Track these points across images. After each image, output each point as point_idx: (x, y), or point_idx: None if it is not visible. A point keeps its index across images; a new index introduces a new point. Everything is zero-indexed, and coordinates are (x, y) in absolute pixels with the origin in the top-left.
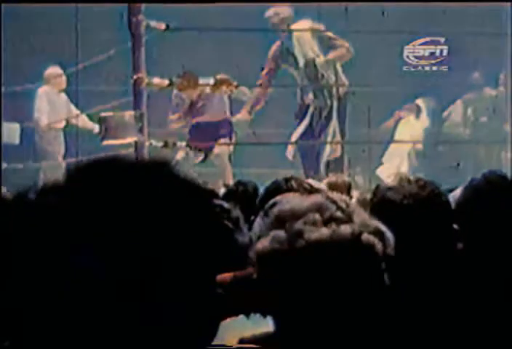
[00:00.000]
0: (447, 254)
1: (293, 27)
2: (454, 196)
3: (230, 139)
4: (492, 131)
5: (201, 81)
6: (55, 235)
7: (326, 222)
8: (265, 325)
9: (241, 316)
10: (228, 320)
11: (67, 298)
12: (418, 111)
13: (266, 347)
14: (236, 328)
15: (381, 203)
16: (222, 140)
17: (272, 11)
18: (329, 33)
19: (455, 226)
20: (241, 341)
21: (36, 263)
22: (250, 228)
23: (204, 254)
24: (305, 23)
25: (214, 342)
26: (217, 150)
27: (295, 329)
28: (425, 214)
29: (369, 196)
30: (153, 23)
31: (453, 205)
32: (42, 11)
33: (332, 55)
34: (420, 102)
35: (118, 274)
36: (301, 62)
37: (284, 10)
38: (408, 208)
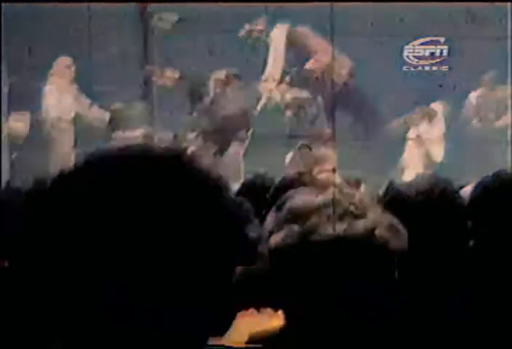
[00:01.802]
0: (460, 252)
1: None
2: (464, 194)
3: (247, 132)
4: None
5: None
6: (68, 227)
7: (340, 217)
8: (277, 320)
9: (253, 310)
10: (240, 314)
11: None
12: (432, 115)
13: (277, 342)
14: (248, 322)
15: (393, 200)
16: (238, 135)
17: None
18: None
19: (468, 223)
20: (252, 336)
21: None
22: (262, 222)
23: (215, 246)
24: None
25: (225, 336)
26: (232, 149)
27: (307, 323)
28: (438, 211)
29: (381, 193)
30: (165, 16)
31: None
32: (50, 5)
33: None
34: (435, 106)
35: (128, 266)
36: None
37: (258, 26)
38: (421, 205)
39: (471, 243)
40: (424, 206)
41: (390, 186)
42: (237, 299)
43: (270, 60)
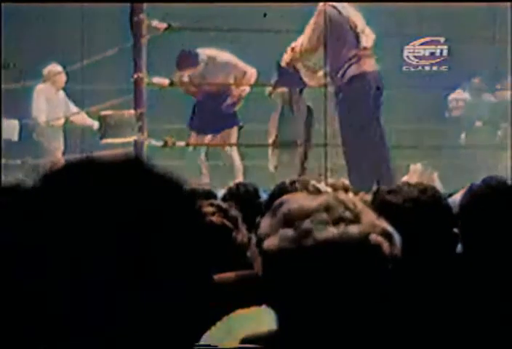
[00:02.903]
0: (447, 258)
1: None
2: (454, 201)
3: (239, 126)
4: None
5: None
6: (28, 238)
7: (334, 222)
8: (269, 323)
9: (243, 313)
10: (230, 317)
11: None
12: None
13: (269, 346)
14: (238, 325)
15: (381, 206)
16: (228, 130)
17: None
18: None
19: (455, 230)
20: (244, 339)
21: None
22: (250, 228)
23: (201, 253)
24: None
25: (218, 340)
26: (227, 148)
27: (300, 328)
28: (425, 217)
29: (369, 199)
30: (154, 23)
31: (453, 209)
32: (44, 9)
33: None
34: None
35: (108, 275)
36: None
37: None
38: (408, 211)
39: (459, 249)
40: (411, 213)
41: (378, 193)
42: (230, 302)
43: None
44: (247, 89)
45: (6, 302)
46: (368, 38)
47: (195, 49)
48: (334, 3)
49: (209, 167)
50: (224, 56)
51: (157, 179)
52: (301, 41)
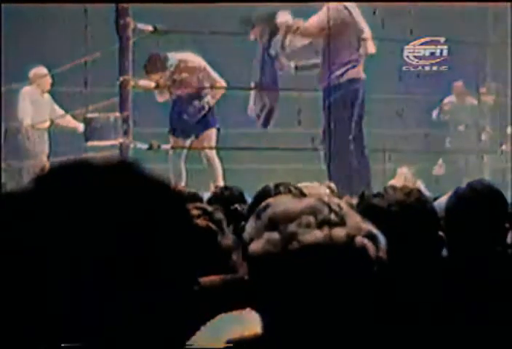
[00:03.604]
0: (432, 261)
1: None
2: (439, 204)
3: (217, 128)
4: (471, 140)
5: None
6: (23, 240)
7: (319, 225)
8: (254, 326)
9: (229, 317)
10: (216, 320)
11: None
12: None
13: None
14: (224, 329)
15: (366, 210)
16: (207, 132)
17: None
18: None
19: (440, 233)
20: (229, 341)
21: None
22: (234, 232)
23: (186, 256)
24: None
25: (203, 344)
26: (207, 151)
27: (286, 331)
28: (410, 221)
29: (355, 202)
30: (140, 25)
31: (439, 213)
32: (29, 11)
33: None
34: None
35: (99, 276)
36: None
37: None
38: (393, 215)
39: (444, 253)
40: (397, 216)
41: (364, 196)
42: (215, 306)
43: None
44: (218, 93)
45: (7, 303)
46: (372, 47)
47: (165, 53)
48: (347, 4)
49: (189, 171)
50: (195, 60)
51: (148, 181)
52: (306, 22)
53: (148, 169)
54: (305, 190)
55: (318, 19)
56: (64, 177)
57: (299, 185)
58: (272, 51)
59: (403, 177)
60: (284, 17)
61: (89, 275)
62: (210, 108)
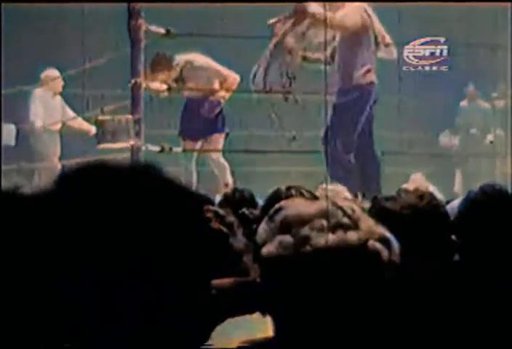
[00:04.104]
0: (444, 265)
1: None
2: (451, 208)
3: (225, 133)
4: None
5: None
6: (46, 240)
7: (332, 228)
8: (265, 330)
9: (241, 320)
10: (227, 323)
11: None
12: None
13: None
14: (235, 332)
15: (379, 213)
16: (215, 136)
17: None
18: None
19: (453, 237)
20: (240, 348)
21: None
22: (246, 234)
23: (199, 258)
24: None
25: (213, 346)
26: (213, 154)
27: (298, 334)
28: (423, 224)
29: (367, 206)
30: (152, 28)
31: (451, 216)
32: (41, 12)
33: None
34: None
35: (109, 280)
36: None
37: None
38: (406, 218)
39: (456, 257)
40: (409, 220)
41: (376, 199)
42: (228, 307)
43: None
44: (226, 94)
45: (11, 302)
46: (394, 52)
47: (171, 53)
48: (366, 7)
49: (200, 174)
50: (202, 60)
51: (166, 183)
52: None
53: (166, 171)
54: (331, 193)
55: (348, 15)
56: (84, 178)
57: (323, 186)
58: (290, 40)
59: (416, 183)
60: (315, 7)
61: (110, 275)
62: (221, 109)
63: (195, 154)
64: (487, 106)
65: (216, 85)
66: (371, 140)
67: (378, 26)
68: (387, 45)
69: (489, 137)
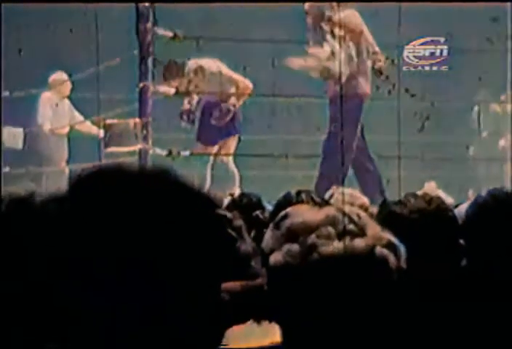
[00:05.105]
0: (453, 270)
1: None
2: (460, 212)
3: (239, 136)
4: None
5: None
6: (57, 244)
7: (339, 236)
8: (273, 335)
9: (249, 325)
10: (235, 328)
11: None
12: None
13: None
14: (243, 337)
15: (387, 218)
16: (230, 138)
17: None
18: None
19: (461, 241)
20: None
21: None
22: (254, 239)
23: (207, 262)
24: None
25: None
26: (223, 158)
27: (305, 342)
28: (431, 228)
29: (375, 210)
30: (160, 31)
31: (459, 221)
32: (49, 15)
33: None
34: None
35: (118, 282)
36: None
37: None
38: (414, 223)
39: (464, 262)
40: (418, 224)
41: (384, 204)
42: (235, 313)
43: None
44: (238, 100)
45: (15, 302)
46: (383, 63)
47: (182, 59)
48: (357, 15)
49: (213, 178)
50: (214, 66)
51: (182, 187)
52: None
53: (181, 175)
54: (348, 198)
55: (349, 16)
56: (99, 182)
57: (339, 190)
58: (315, 28)
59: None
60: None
61: (121, 278)
62: (235, 113)
63: (211, 158)
64: (498, 109)
65: (229, 91)
66: (364, 146)
67: (369, 35)
68: (375, 53)
69: (502, 142)
